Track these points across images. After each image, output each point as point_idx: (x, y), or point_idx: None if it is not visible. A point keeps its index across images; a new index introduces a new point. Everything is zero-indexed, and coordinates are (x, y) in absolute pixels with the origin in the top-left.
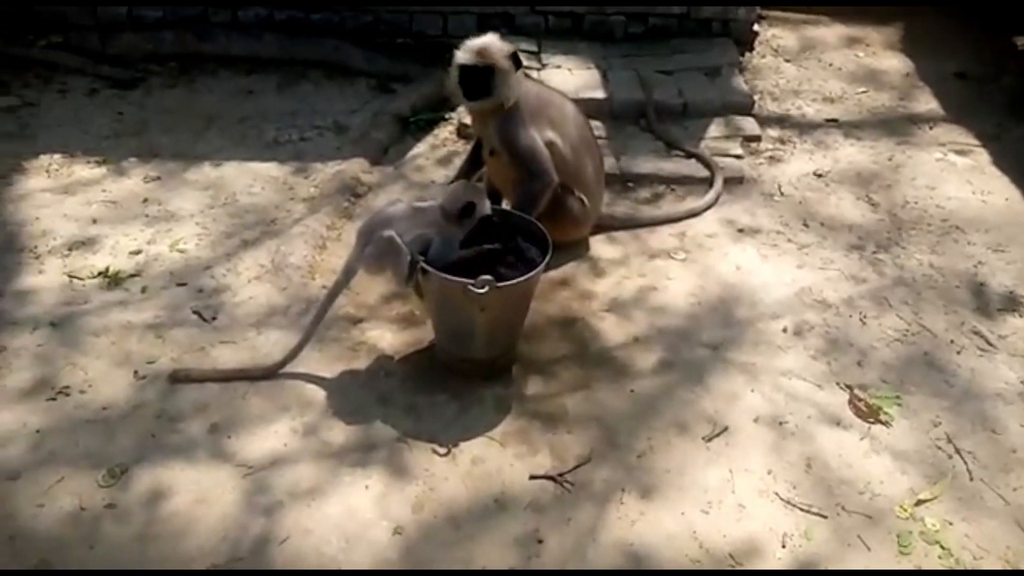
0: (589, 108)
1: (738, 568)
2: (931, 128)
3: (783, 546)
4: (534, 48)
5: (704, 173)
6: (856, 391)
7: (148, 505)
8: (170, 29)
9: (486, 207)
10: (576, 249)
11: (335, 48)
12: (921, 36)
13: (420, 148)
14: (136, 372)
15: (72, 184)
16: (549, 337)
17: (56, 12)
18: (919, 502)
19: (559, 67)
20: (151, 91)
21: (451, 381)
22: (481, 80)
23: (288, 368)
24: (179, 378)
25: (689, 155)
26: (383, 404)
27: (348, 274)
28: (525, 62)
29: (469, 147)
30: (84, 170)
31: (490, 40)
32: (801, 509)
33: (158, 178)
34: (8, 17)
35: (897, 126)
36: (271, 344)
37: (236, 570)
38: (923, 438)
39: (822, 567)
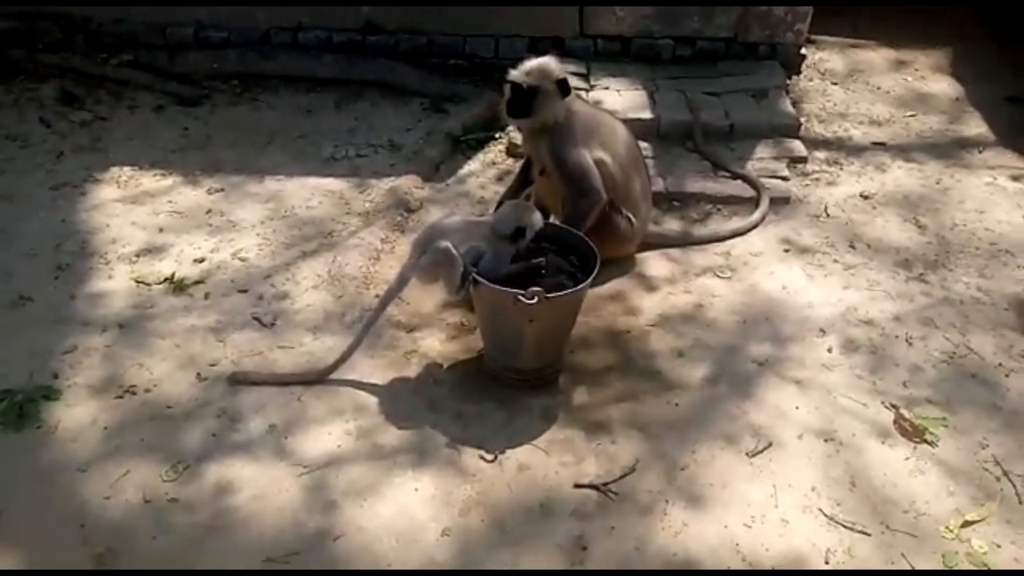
0: (637, 128)
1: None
2: (981, 152)
3: (826, 562)
4: (583, 70)
5: (750, 193)
6: (902, 411)
7: (209, 499)
8: (234, 49)
9: (537, 222)
10: (623, 265)
11: (391, 69)
12: (971, 60)
13: (471, 166)
14: (199, 374)
15: (140, 195)
16: (596, 349)
17: (127, 32)
18: (966, 523)
19: (607, 88)
20: (215, 108)
21: (499, 390)
22: (524, 99)
23: (342, 373)
24: (237, 380)
25: (735, 176)
26: (433, 410)
27: (402, 282)
28: (575, 83)
29: (519, 165)
30: (152, 182)
31: (544, 62)
32: (845, 526)
33: (221, 190)
34: (83, 37)
35: (946, 150)
36: (326, 350)
37: (271, 570)
38: (970, 459)
39: None
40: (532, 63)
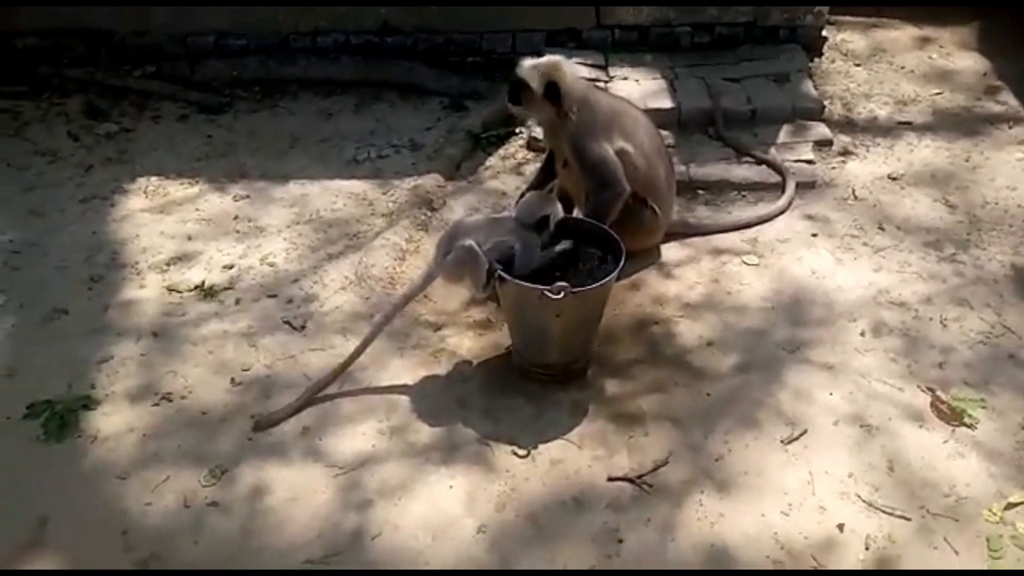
0: (657, 117)
1: (820, 568)
2: (1010, 128)
3: (867, 548)
4: (601, 62)
5: (775, 179)
6: (938, 393)
7: (247, 503)
8: (254, 55)
9: (558, 211)
10: (648, 254)
11: (409, 69)
12: (997, 35)
13: (492, 162)
14: (232, 379)
15: (168, 204)
16: (624, 341)
17: (149, 44)
18: (1009, 506)
19: (626, 79)
20: (237, 115)
21: (528, 385)
22: (514, 89)
23: (372, 374)
24: (261, 426)
25: (759, 161)
26: (463, 407)
27: (427, 280)
28: (592, 75)
29: (542, 158)
30: (179, 190)
31: (546, 62)
32: (884, 512)
33: (247, 196)
34: (107, 50)
35: (974, 126)
36: None
37: (310, 571)
38: (1010, 440)
39: (908, 568)
40: (543, 59)
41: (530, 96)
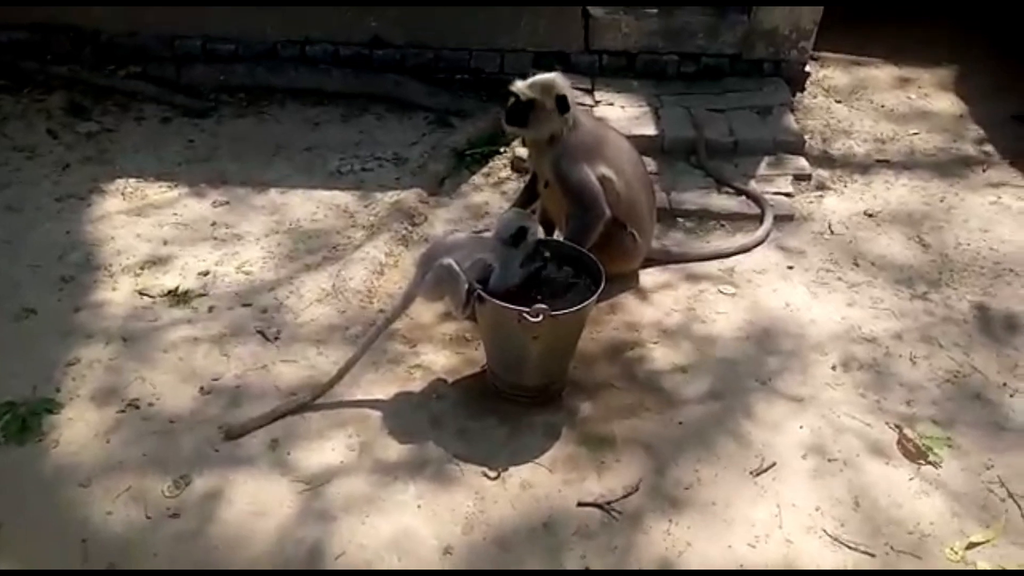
0: (640, 144)
1: None
2: (984, 170)
3: None
4: (587, 86)
5: (754, 210)
6: (905, 431)
7: (210, 515)
8: (241, 62)
9: (538, 229)
10: (626, 280)
11: (397, 83)
12: (975, 78)
13: (475, 180)
14: (201, 387)
15: (145, 207)
16: (599, 365)
17: (136, 44)
18: (971, 545)
19: (612, 104)
20: (222, 120)
21: (502, 406)
22: (521, 110)
23: (345, 388)
24: (233, 435)
25: (739, 192)
26: (435, 426)
27: (407, 300)
28: (579, 98)
29: (525, 179)
30: (157, 193)
31: (548, 77)
32: (849, 547)
33: (227, 203)
34: (92, 49)
35: (949, 168)
36: (330, 364)
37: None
38: (974, 480)
39: None
40: (538, 76)
41: (541, 113)
